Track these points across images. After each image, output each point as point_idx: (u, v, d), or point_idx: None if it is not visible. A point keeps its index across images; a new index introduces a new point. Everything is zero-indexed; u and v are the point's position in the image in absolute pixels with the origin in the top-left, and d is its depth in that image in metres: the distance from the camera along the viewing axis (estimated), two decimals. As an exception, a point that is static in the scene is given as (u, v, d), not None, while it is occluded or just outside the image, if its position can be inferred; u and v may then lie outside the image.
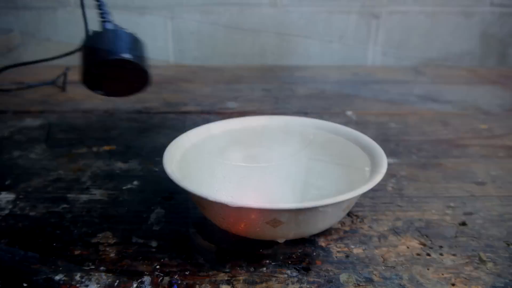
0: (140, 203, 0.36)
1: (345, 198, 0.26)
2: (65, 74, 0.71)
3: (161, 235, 0.31)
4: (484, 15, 0.90)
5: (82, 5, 0.37)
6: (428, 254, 0.30)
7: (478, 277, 0.27)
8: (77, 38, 0.94)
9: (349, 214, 0.34)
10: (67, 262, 0.28)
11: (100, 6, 0.28)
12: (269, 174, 0.36)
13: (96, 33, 0.27)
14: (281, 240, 0.29)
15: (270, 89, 0.72)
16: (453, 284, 0.27)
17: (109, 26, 0.28)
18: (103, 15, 0.28)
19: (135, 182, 0.40)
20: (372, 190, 0.38)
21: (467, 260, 0.29)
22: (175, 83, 0.77)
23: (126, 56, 0.26)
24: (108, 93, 0.29)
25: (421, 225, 0.33)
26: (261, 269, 0.28)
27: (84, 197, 0.37)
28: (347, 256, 0.29)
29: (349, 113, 0.59)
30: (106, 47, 0.26)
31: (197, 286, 0.26)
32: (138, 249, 0.30)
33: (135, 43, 0.27)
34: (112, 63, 0.26)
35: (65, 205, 0.35)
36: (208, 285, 0.26)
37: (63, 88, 0.70)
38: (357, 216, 0.34)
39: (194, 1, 0.86)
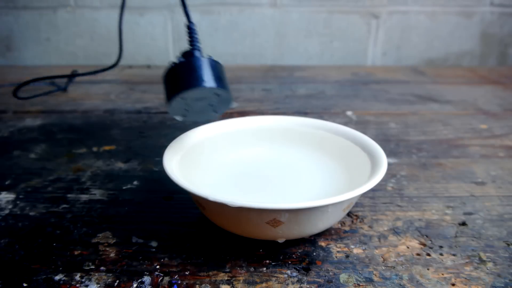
0: (140, 203, 0.36)
1: (345, 198, 0.26)
2: (71, 77, 0.71)
3: (161, 235, 0.31)
4: (484, 15, 0.91)
5: (122, 10, 0.38)
6: (428, 254, 0.30)
7: (478, 277, 0.27)
8: (77, 38, 0.94)
9: (349, 214, 0.34)
10: (67, 262, 0.28)
11: (191, 33, 0.30)
12: (269, 174, 0.36)
13: (183, 60, 0.28)
14: (281, 240, 0.29)
15: (270, 89, 0.72)
16: (453, 284, 0.27)
17: (197, 54, 0.29)
18: (193, 42, 0.29)
19: (135, 182, 0.40)
20: (372, 190, 0.38)
21: (467, 260, 0.29)
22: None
23: (215, 85, 0.27)
24: (189, 118, 0.31)
25: (421, 225, 0.33)
26: (261, 269, 0.28)
27: (84, 197, 0.37)
28: (347, 256, 0.29)
29: (349, 113, 0.59)
30: (195, 75, 0.27)
31: (197, 286, 0.26)
32: (138, 249, 0.30)
33: (221, 72, 0.29)
34: (200, 92, 0.27)
35: (65, 205, 0.36)
36: (208, 285, 0.27)
37: (64, 89, 0.70)
38: (357, 216, 0.34)
39: (194, 1, 0.87)
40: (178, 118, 0.31)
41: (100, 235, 0.32)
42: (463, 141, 0.50)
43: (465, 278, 0.27)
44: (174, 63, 0.29)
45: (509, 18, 0.91)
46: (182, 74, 0.28)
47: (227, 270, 0.28)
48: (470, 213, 0.35)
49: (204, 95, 0.28)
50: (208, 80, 0.28)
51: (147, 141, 0.49)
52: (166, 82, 0.29)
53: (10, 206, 0.35)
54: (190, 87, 0.27)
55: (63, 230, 0.32)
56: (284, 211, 0.26)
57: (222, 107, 0.30)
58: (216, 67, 0.29)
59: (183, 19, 0.88)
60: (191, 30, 0.29)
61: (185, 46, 0.91)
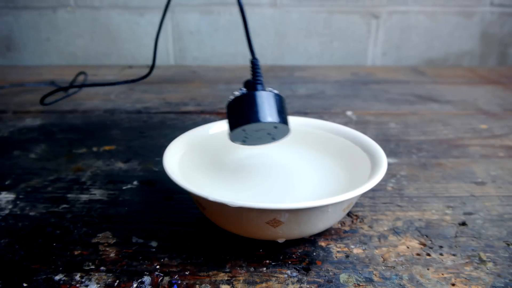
0: (140, 203, 0.36)
1: (345, 198, 0.26)
2: (99, 85, 0.71)
3: (161, 235, 0.32)
4: (484, 15, 0.91)
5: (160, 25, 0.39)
6: (428, 254, 0.30)
7: (478, 277, 0.27)
8: (77, 38, 0.93)
9: (349, 214, 0.34)
10: (67, 262, 0.28)
11: (254, 68, 0.31)
12: (269, 174, 0.36)
13: (246, 92, 0.30)
14: (281, 240, 0.29)
15: (270, 89, 0.71)
16: (453, 284, 0.27)
17: (260, 88, 0.31)
18: (257, 76, 0.31)
19: (135, 182, 0.40)
20: (372, 190, 0.38)
21: (467, 260, 0.29)
22: (175, 83, 0.77)
23: (274, 120, 0.29)
24: (248, 144, 0.33)
25: (421, 225, 0.33)
26: (261, 269, 0.28)
27: (84, 197, 0.37)
28: (347, 256, 0.29)
29: (349, 113, 0.59)
30: (257, 109, 0.29)
31: (197, 286, 0.26)
32: (138, 249, 0.30)
33: (281, 105, 0.31)
34: (260, 125, 0.30)
35: (65, 205, 0.36)
36: (208, 285, 0.27)
37: (66, 90, 0.70)
38: (357, 216, 0.34)
39: (194, 1, 0.87)
40: (238, 143, 0.32)
41: (100, 235, 0.32)
42: (463, 141, 0.50)
43: (465, 278, 0.27)
44: (238, 95, 0.30)
45: (509, 18, 0.91)
46: (244, 107, 0.30)
47: (227, 270, 0.28)
48: (470, 213, 0.35)
49: (264, 127, 0.30)
50: (268, 115, 0.29)
51: (147, 141, 0.49)
52: (229, 112, 0.31)
53: (10, 206, 0.35)
54: (251, 121, 0.29)
55: (63, 230, 0.32)
56: (284, 211, 0.26)
57: (280, 136, 0.32)
58: (276, 101, 0.30)
59: (183, 19, 0.89)
60: (254, 65, 0.31)
61: (185, 45, 0.91)
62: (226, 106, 0.31)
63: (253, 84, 0.31)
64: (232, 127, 0.30)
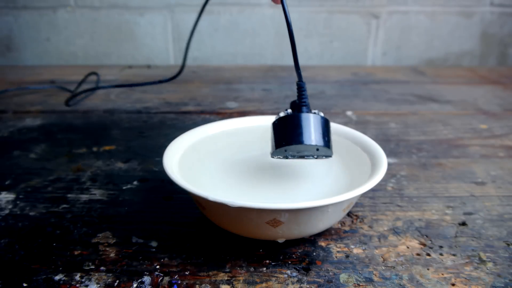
0: (140, 203, 0.36)
1: (345, 198, 0.26)
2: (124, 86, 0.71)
3: (161, 235, 0.32)
4: (484, 15, 0.90)
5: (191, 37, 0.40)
6: (428, 254, 0.30)
7: (478, 277, 0.27)
8: (77, 38, 0.93)
9: (349, 214, 0.34)
10: (67, 262, 0.28)
11: (301, 91, 0.32)
12: (269, 174, 0.36)
13: (293, 115, 0.31)
14: (281, 240, 0.29)
15: (270, 89, 0.72)
16: (453, 284, 0.27)
17: (305, 110, 0.31)
18: (303, 98, 0.32)
19: (135, 182, 0.40)
20: (372, 190, 0.38)
21: (467, 260, 0.29)
22: (175, 83, 0.77)
23: (316, 143, 0.30)
24: (288, 159, 0.34)
25: (421, 225, 0.33)
26: (261, 269, 0.28)
27: (84, 197, 0.37)
28: (347, 256, 0.29)
29: (349, 113, 0.59)
30: (300, 132, 0.30)
31: (197, 286, 0.26)
32: (138, 249, 0.30)
33: (325, 128, 0.31)
34: (302, 146, 0.30)
35: (65, 205, 0.36)
36: (208, 285, 0.27)
37: (92, 90, 0.69)
38: (357, 216, 0.34)
39: (194, 1, 0.87)
40: (276, 158, 0.33)
41: (100, 235, 0.32)
42: (463, 141, 0.50)
43: (465, 278, 0.27)
44: (284, 115, 0.31)
45: (509, 18, 0.91)
46: (288, 128, 0.30)
47: (227, 270, 0.28)
48: (470, 213, 0.35)
49: (306, 148, 0.31)
50: (312, 137, 0.30)
51: (147, 141, 0.49)
52: (274, 132, 0.32)
53: (10, 206, 0.35)
54: (294, 143, 0.30)
55: (63, 230, 0.32)
56: (284, 211, 0.26)
57: (321, 156, 0.32)
58: (321, 124, 0.31)
59: (183, 19, 0.89)
60: (300, 87, 0.32)
61: (185, 46, 0.91)
62: (272, 125, 0.32)
63: (298, 106, 0.31)
64: (276, 146, 0.31)
